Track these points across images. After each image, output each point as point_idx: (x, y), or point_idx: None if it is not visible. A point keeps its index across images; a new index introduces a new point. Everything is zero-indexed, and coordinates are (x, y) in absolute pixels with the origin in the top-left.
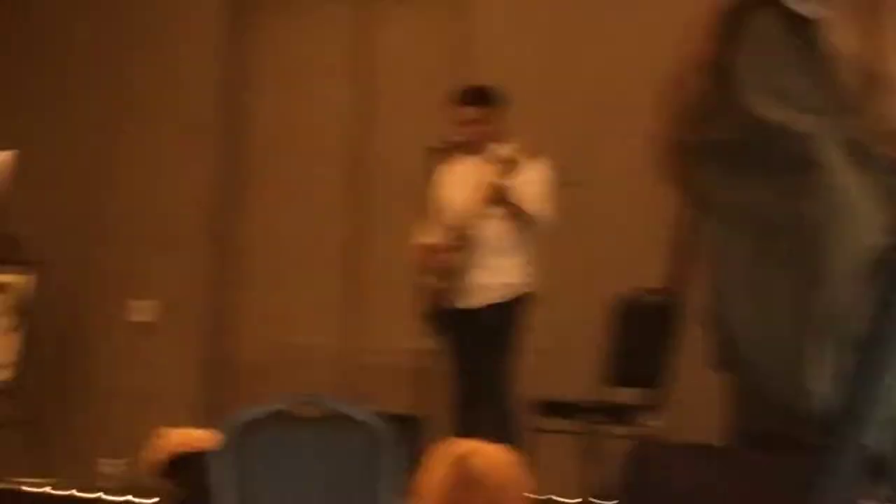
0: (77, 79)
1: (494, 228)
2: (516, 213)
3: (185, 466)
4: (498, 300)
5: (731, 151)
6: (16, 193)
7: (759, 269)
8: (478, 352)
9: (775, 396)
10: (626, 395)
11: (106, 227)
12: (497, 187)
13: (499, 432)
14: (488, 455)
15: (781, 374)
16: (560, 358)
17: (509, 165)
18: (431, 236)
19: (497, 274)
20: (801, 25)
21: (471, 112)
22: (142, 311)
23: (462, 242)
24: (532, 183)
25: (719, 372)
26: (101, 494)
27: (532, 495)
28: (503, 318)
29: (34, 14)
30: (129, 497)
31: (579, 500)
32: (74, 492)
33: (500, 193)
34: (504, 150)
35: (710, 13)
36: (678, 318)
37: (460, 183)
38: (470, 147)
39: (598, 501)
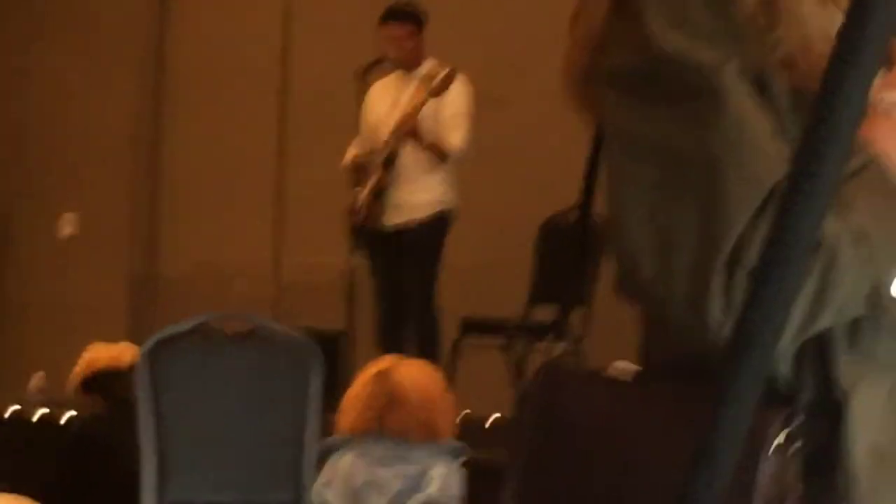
0: None
1: (415, 149)
2: (428, 148)
3: (108, 380)
4: (420, 218)
5: (632, 79)
6: None
7: (661, 198)
8: (402, 269)
9: (679, 327)
10: (549, 314)
11: (29, 140)
12: (408, 124)
13: (423, 348)
14: (411, 370)
15: (685, 305)
16: (485, 275)
17: (433, 84)
18: (359, 155)
19: (419, 192)
20: None
21: (394, 29)
22: (67, 224)
23: (386, 161)
24: (451, 107)
25: (624, 299)
26: (17, 407)
27: (454, 410)
28: (426, 235)
29: None
30: (45, 410)
31: (498, 415)
32: None
33: (411, 130)
34: (428, 68)
35: None
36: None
37: (388, 102)
38: (396, 65)
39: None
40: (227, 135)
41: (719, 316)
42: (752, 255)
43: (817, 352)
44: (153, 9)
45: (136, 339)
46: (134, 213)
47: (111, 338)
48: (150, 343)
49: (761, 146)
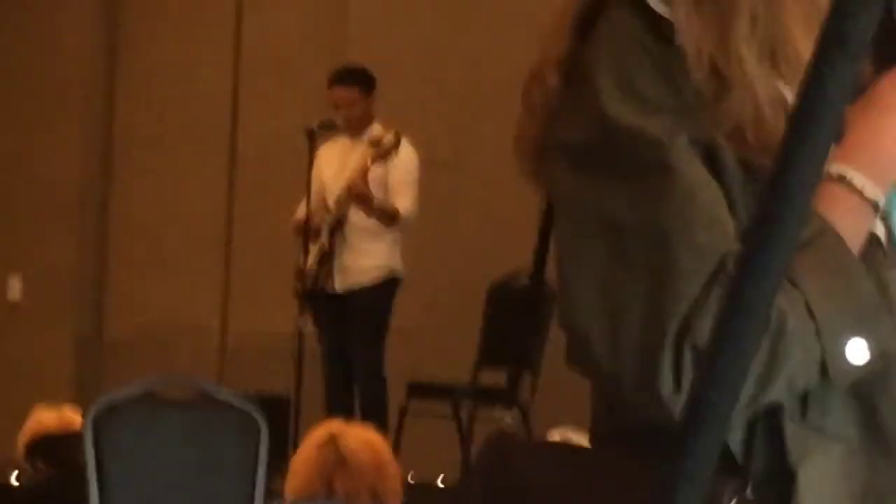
0: None
1: (363, 213)
2: (376, 215)
3: (53, 446)
4: (368, 282)
5: (582, 153)
6: None
7: (610, 272)
8: (349, 334)
9: (630, 402)
10: (496, 378)
11: None
12: (355, 189)
13: (370, 412)
14: (359, 435)
15: (634, 381)
16: (431, 340)
17: (380, 149)
18: (307, 218)
19: (366, 256)
20: (656, 24)
21: (342, 92)
22: (12, 287)
23: (334, 225)
24: (397, 172)
25: (575, 370)
26: None
27: (401, 477)
28: (372, 300)
29: None
30: None
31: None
32: None
33: (358, 195)
34: (376, 132)
35: (567, 8)
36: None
37: (336, 165)
38: (345, 129)
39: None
40: (175, 195)
41: (669, 392)
42: (701, 329)
43: (768, 422)
44: (102, 67)
45: (81, 401)
46: (80, 274)
47: (56, 400)
48: (95, 408)
49: (711, 219)
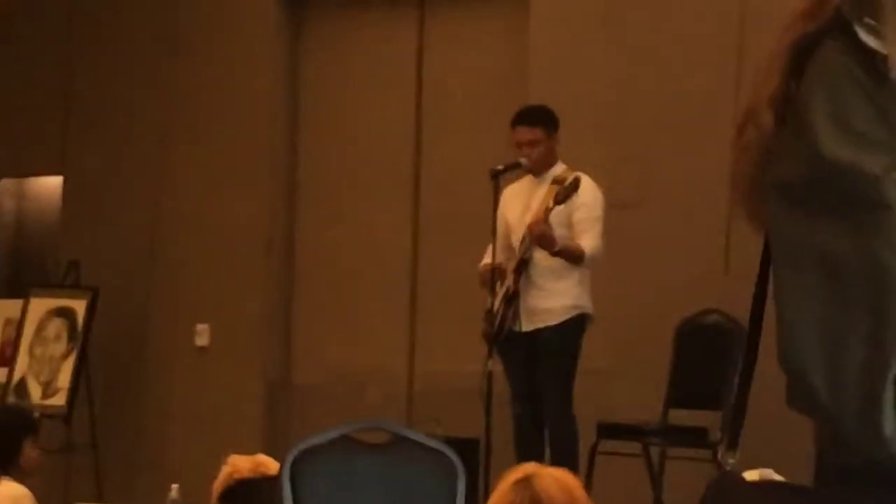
0: (130, 99)
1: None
2: (561, 255)
3: (249, 491)
4: (555, 322)
5: (799, 191)
6: (72, 219)
7: (830, 311)
8: (538, 374)
9: (852, 441)
10: (688, 418)
11: (161, 250)
12: (538, 231)
13: (560, 455)
14: (552, 478)
15: (855, 420)
16: (621, 379)
17: (563, 189)
18: (494, 259)
19: (554, 296)
20: (869, 58)
21: (525, 133)
22: (202, 334)
23: (520, 265)
24: (581, 211)
25: (795, 411)
26: None
27: None
28: (561, 340)
29: (93, 37)
30: None
31: None
32: None
33: (541, 237)
34: (560, 172)
35: (778, 46)
36: (747, 343)
37: (520, 206)
38: (529, 169)
39: None
40: (360, 239)
41: (890, 429)
42: None
43: None
44: (286, 112)
45: (271, 446)
46: (268, 321)
47: (247, 445)
48: (292, 454)
49: None
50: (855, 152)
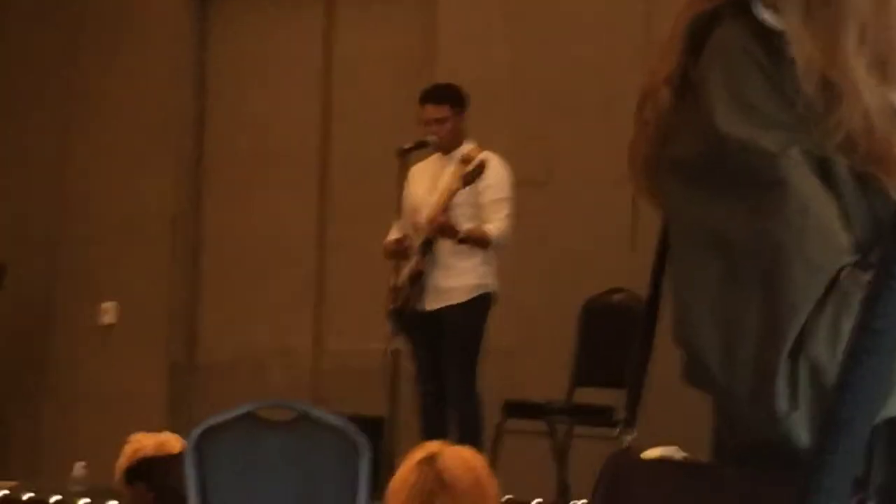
0: (32, 78)
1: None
2: (465, 240)
3: (152, 471)
4: (460, 301)
5: (695, 169)
6: None
7: (725, 289)
8: (442, 353)
9: (746, 419)
10: (593, 396)
11: (66, 228)
12: (439, 223)
13: (465, 433)
14: (456, 456)
15: (750, 396)
16: (526, 359)
17: (469, 171)
18: (399, 237)
19: (458, 275)
20: (767, 37)
21: (432, 110)
22: (106, 313)
23: (424, 246)
24: (490, 192)
25: (692, 387)
26: (59, 497)
27: (499, 496)
28: (465, 318)
29: None
30: (88, 500)
31: (541, 500)
32: (33, 495)
33: (444, 230)
34: (467, 151)
35: (677, 24)
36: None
37: (427, 184)
38: (436, 147)
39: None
40: (266, 218)
41: (785, 407)
42: (816, 344)
43: (890, 436)
44: (192, 91)
45: (175, 426)
46: (173, 300)
47: (151, 425)
48: (197, 431)
49: (826, 233)
50: (751, 129)
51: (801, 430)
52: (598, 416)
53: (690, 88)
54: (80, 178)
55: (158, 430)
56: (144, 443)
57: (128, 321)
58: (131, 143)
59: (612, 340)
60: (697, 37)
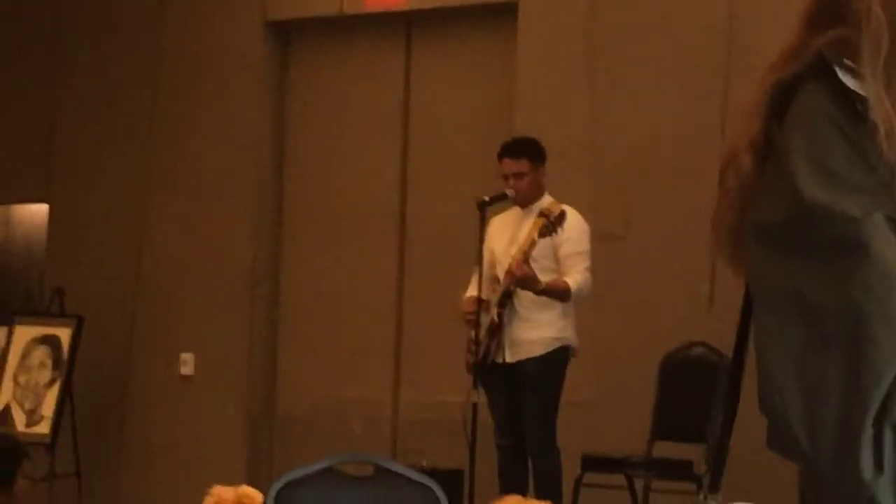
0: (115, 129)
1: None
2: (544, 293)
3: None
4: (539, 354)
5: (778, 233)
6: (57, 247)
7: (808, 354)
8: (521, 406)
9: (832, 484)
10: (672, 450)
11: (145, 280)
12: (520, 275)
13: (544, 487)
14: None
15: (833, 461)
16: (606, 412)
17: (550, 221)
18: (478, 290)
19: (537, 328)
20: (849, 101)
21: (511, 165)
22: (184, 364)
23: (503, 299)
24: (568, 245)
25: (776, 453)
26: None
27: None
28: (544, 372)
29: (76, 69)
30: None
31: None
32: None
33: (524, 281)
34: (546, 204)
35: (759, 88)
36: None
37: (506, 237)
38: (515, 201)
39: None
40: (345, 268)
41: (869, 472)
42: None
43: None
44: (271, 147)
45: (254, 478)
46: (252, 351)
47: (230, 477)
48: (277, 485)
49: None
50: (833, 194)
51: (886, 496)
52: (678, 470)
53: (773, 153)
54: (158, 230)
55: (238, 482)
56: (224, 496)
57: (206, 372)
58: (210, 196)
59: (691, 394)
60: (781, 101)
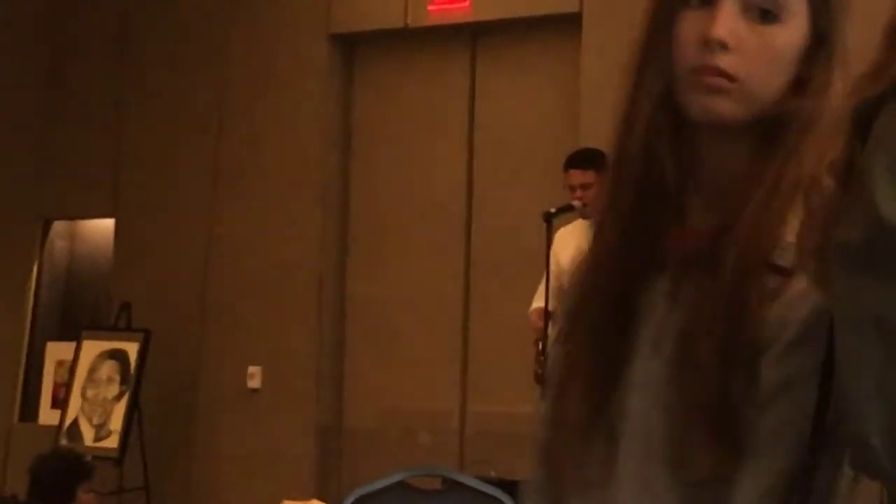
0: (181, 143)
1: None
2: None
3: None
4: None
5: (859, 255)
6: (123, 261)
7: (889, 373)
8: None
9: None
10: None
11: (213, 294)
12: None
13: None
14: None
15: None
16: None
17: None
18: (547, 301)
19: None
20: None
21: (578, 176)
22: (254, 377)
23: None
24: None
25: (859, 472)
26: None
27: None
28: None
29: (144, 84)
30: None
31: None
32: None
33: None
34: None
35: (841, 111)
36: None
37: (572, 248)
38: (582, 212)
39: None
40: (412, 279)
41: None
42: None
43: None
44: (338, 152)
45: (323, 490)
46: (320, 363)
47: (299, 490)
48: (349, 500)
49: None
50: None
51: None
52: None
53: (855, 174)
54: (224, 243)
55: (306, 495)
56: None
57: (274, 385)
58: (277, 207)
59: None
60: (861, 123)
